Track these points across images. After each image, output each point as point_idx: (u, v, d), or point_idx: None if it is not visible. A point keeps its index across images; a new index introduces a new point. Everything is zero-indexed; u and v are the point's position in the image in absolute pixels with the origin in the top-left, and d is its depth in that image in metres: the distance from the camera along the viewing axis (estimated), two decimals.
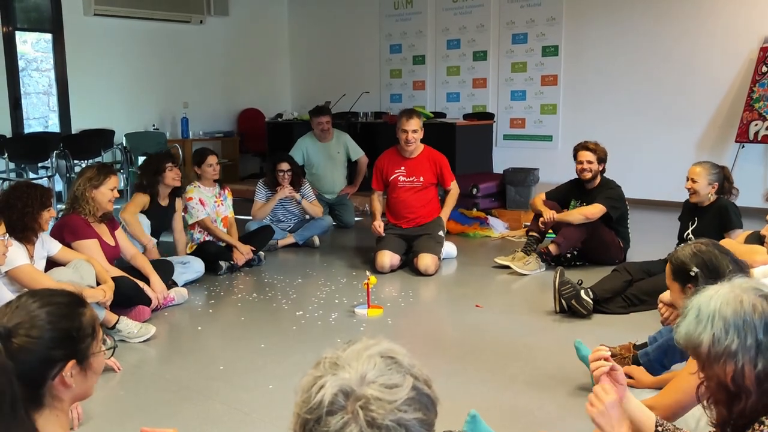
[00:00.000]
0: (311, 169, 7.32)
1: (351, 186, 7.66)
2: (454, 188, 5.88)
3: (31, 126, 8.83)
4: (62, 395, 1.60)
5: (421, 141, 5.79)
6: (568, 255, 5.48)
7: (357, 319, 4.43)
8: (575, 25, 8.64)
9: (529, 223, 5.99)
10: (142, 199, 5.21)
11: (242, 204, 7.36)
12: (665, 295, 3.64)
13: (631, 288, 4.39)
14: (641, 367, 3.14)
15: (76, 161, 8.00)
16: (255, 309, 4.69)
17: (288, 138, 8.53)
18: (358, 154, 7.63)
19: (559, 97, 8.87)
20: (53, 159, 7.77)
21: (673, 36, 7.94)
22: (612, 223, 5.40)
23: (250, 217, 6.41)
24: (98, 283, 3.95)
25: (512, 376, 3.47)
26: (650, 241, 5.84)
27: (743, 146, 7.45)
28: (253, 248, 5.73)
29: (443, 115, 9.00)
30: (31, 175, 7.86)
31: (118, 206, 5.07)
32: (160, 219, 5.33)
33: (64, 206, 4.61)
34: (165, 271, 4.75)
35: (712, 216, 4.54)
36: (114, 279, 4.07)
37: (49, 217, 3.85)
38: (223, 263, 5.50)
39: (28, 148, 7.83)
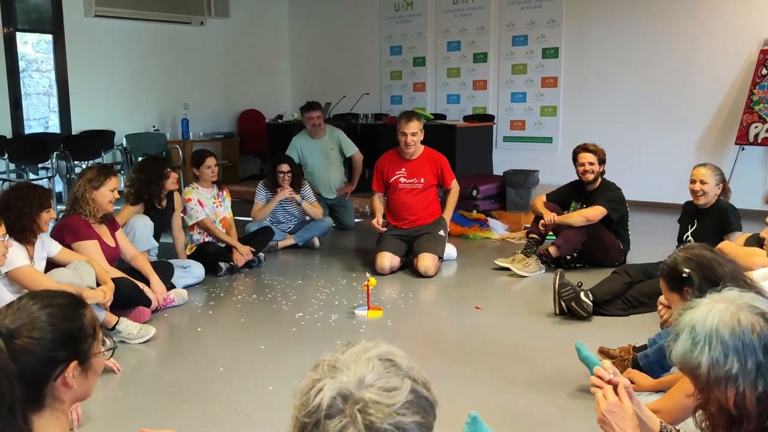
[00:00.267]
0: (306, 168, 7.25)
1: (349, 184, 7.59)
2: (454, 187, 5.89)
3: (32, 127, 8.84)
4: (63, 396, 1.60)
5: (422, 142, 5.80)
6: (568, 257, 5.49)
7: (357, 321, 4.43)
8: (575, 27, 8.65)
9: (529, 225, 6.00)
10: (132, 211, 5.17)
11: (242, 205, 7.37)
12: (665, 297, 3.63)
13: (631, 290, 4.39)
14: (640, 372, 3.14)
15: (76, 162, 8.00)
16: (255, 310, 4.69)
17: (288, 139, 8.50)
18: (351, 150, 7.52)
19: (559, 98, 8.87)
20: (53, 160, 7.77)
21: (673, 38, 7.95)
22: (612, 225, 5.40)
23: (251, 219, 6.42)
24: (98, 284, 3.95)
25: (512, 378, 3.47)
26: (650, 243, 5.84)
27: (743, 148, 7.45)
28: (253, 249, 5.73)
29: (443, 117, 9.01)
30: (32, 176, 7.86)
31: (119, 207, 5.06)
32: (160, 221, 5.32)
33: (64, 207, 4.60)
34: (165, 272, 4.75)
35: (711, 218, 4.54)
36: (114, 280, 4.07)
37: (49, 218, 3.85)
38: (222, 264, 5.51)
39: (29, 148, 7.83)
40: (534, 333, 4.14)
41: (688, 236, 4.66)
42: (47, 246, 3.95)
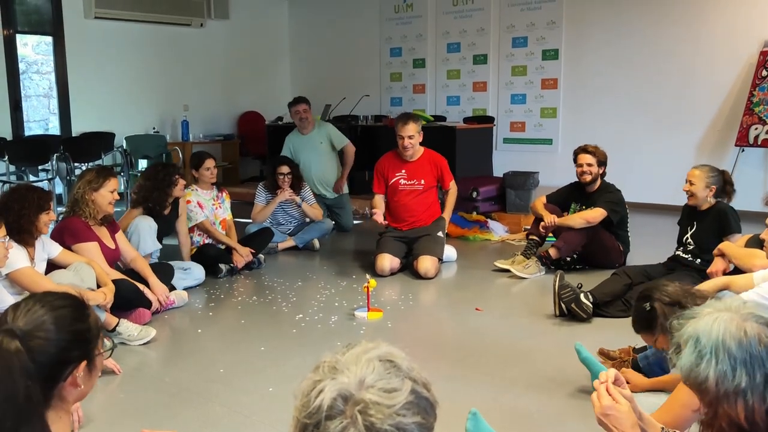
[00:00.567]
0: (299, 166, 7.07)
1: (339, 180, 7.41)
2: (453, 188, 5.90)
3: (32, 129, 8.84)
4: (69, 396, 1.63)
5: (421, 144, 5.80)
6: (568, 259, 5.49)
7: (357, 323, 4.43)
8: (575, 29, 8.65)
9: (529, 227, 6.00)
10: (136, 215, 5.16)
11: (242, 207, 7.37)
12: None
13: (631, 292, 4.39)
14: (635, 372, 3.14)
15: (76, 164, 8.00)
16: (255, 312, 4.69)
17: None
18: (342, 142, 7.41)
19: (559, 100, 8.88)
20: (53, 162, 7.77)
21: (673, 40, 7.95)
22: (612, 227, 5.40)
23: (251, 220, 6.42)
24: (98, 286, 3.95)
25: (512, 379, 3.47)
26: (650, 245, 5.84)
27: (743, 150, 7.45)
28: (253, 251, 5.73)
29: (443, 119, 9.02)
30: (32, 178, 7.87)
31: (119, 209, 5.06)
32: (163, 226, 5.31)
33: (64, 209, 4.60)
34: (165, 274, 4.75)
35: (711, 220, 4.54)
36: (114, 282, 4.07)
37: (48, 219, 3.85)
38: (222, 266, 5.51)
39: (29, 150, 7.83)
40: (534, 334, 4.14)
41: (687, 238, 4.66)
42: (48, 247, 3.95)
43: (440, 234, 5.69)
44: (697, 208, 4.62)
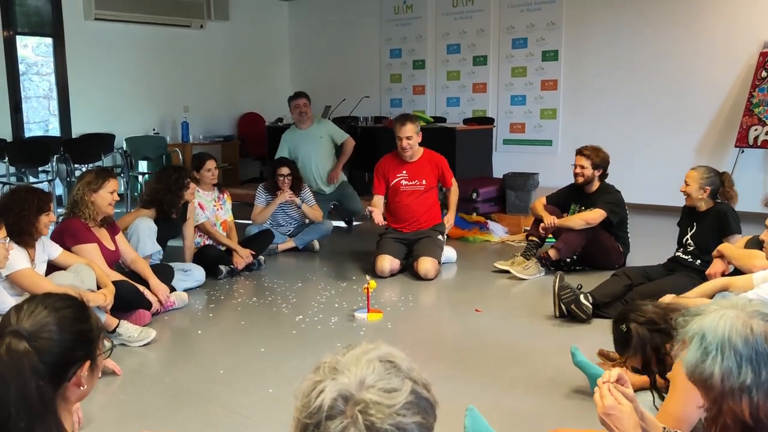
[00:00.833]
0: (297, 162, 7.05)
1: (336, 166, 7.35)
2: (455, 187, 5.91)
3: (32, 130, 8.85)
4: (71, 396, 1.64)
5: (421, 145, 5.80)
6: (568, 260, 5.49)
7: (357, 324, 4.43)
8: (575, 30, 8.66)
9: (528, 228, 6.00)
10: (142, 215, 5.17)
11: (242, 208, 7.37)
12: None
13: (631, 293, 4.38)
14: (633, 374, 3.13)
15: (76, 165, 8.01)
16: (255, 313, 4.69)
17: None
18: (343, 136, 7.41)
19: (559, 101, 8.88)
20: (54, 163, 7.78)
21: (672, 41, 7.96)
22: (612, 228, 5.40)
23: (251, 222, 6.42)
24: (99, 287, 3.96)
25: (512, 380, 3.47)
26: (650, 246, 5.84)
27: (743, 151, 7.46)
28: (253, 252, 5.74)
29: (443, 120, 9.01)
30: (32, 180, 7.87)
31: (119, 210, 5.06)
32: (170, 228, 5.31)
33: (64, 210, 4.61)
34: (165, 275, 4.75)
35: (710, 221, 4.54)
36: (114, 283, 4.07)
37: (48, 221, 3.85)
38: (223, 267, 5.51)
39: (29, 152, 7.83)
40: (534, 335, 4.15)
41: (687, 239, 4.66)
42: (48, 249, 3.95)
43: (440, 237, 5.70)
44: (696, 209, 4.62)
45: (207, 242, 5.72)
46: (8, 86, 8.32)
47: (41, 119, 9.15)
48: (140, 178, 8.82)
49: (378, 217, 5.55)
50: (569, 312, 4.28)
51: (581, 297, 4.27)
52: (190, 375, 3.63)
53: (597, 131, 8.19)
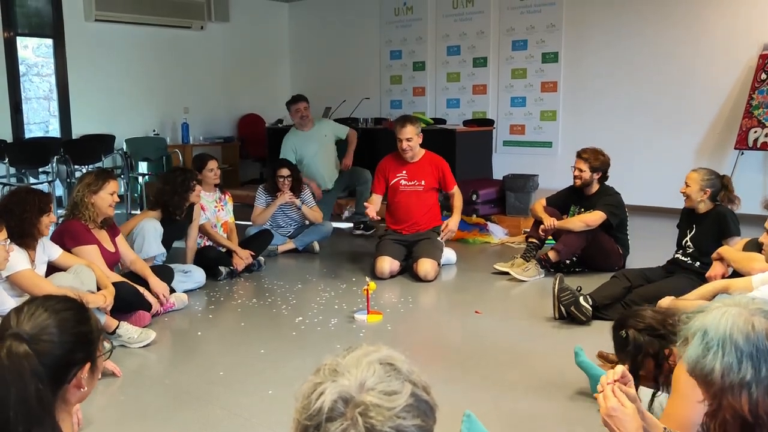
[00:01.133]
0: (301, 163, 7.20)
1: (345, 159, 7.60)
2: (457, 192, 5.88)
3: (32, 131, 8.85)
4: (72, 398, 1.64)
5: (422, 146, 5.81)
6: (568, 261, 5.49)
7: (356, 325, 4.43)
8: (575, 32, 8.67)
9: (528, 230, 6.00)
10: (148, 216, 5.17)
11: (242, 209, 7.37)
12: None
13: (631, 295, 4.39)
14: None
15: (76, 166, 8.02)
16: (255, 314, 4.70)
17: None
18: (345, 131, 7.61)
19: (559, 103, 8.89)
20: (54, 164, 7.78)
21: (672, 42, 7.96)
22: (611, 230, 5.40)
23: (250, 223, 6.42)
24: (99, 289, 3.96)
25: (511, 382, 3.48)
26: (650, 248, 5.84)
27: (742, 153, 7.46)
28: (253, 253, 5.74)
29: (443, 122, 9.01)
30: (32, 181, 7.87)
31: (119, 211, 5.06)
32: (175, 230, 5.32)
33: (64, 212, 4.61)
34: (165, 277, 4.75)
35: (710, 223, 4.54)
36: (114, 284, 4.07)
37: (49, 222, 3.86)
38: (223, 268, 5.51)
39: (29, 153, 7.84)
40: (533, 337, 4.15)
41: (687, 241, 4.67)
42: (48, 250, 3.96)
43: (439, 238, 5.71)
44: (696, 211, 4.63)
45: (207, 243, 5.73)
46: (8, 87, 8.32)
47: (41, 120, 9.15)
48: (140, 179, 8.81)
49: (371, 212, 5.58)
50: (569, 314, 4.28)
51: (581, 299, 4.27)
52: (189, 376, 3.64)
53: (597, 133, 8.19)
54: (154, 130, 9.63)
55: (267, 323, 4.52)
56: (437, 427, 1.15)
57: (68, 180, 7.96)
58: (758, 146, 7.25)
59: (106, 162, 8.62)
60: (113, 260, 4.48)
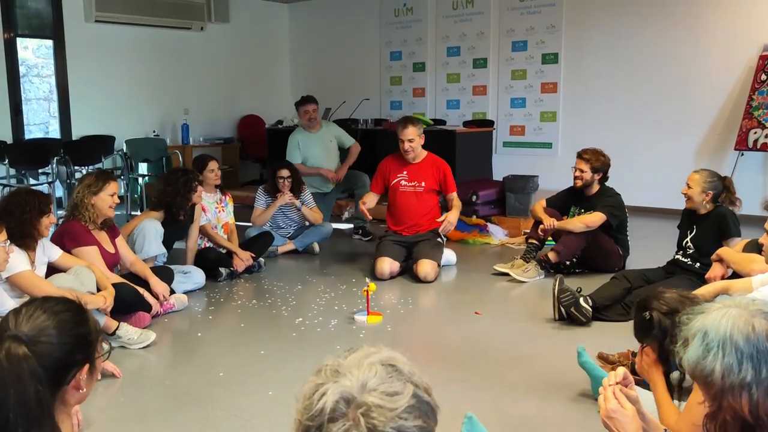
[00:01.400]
0: (306, 163, 7.23)
1: (341, 167, 7.44)
2: (456, 198, 5.84)
3: (32, 132, 8.85)
4: (71, 399, 1.64)
5: (423, 148, 5.81)
6: (568, 262, 5.49)
7: (356, 326, 4.43)
8: (575, 33, 8.67)
9: (528, 231, 6.00)
10: (150, 217, 5.18)
11: (242, 210, 7.37)
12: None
13: (631, 295, 4.39)
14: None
15: (76, 167, 8.01)
16: (255, 315, 4.70)
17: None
18: (350, 141, 7.59)
19: (559, 104, 8.89)
20: (54, 165, 7.78)
21: (672, 43, 7.97)
22: (611, 230, 5.40)
23: (250, 224, 6.42)
24: (99, 290, 3.96)
25: (511, 383, 3.48)
26: (650, 249, 5.84)
27: (742, 154, 7.46)
28: (253, 254, 5.74)
29: (443, 123, 9.02)
30: (32, 182, 7.86)
31: (119, 212, 5.06)
32: (177, 230, 5.31)
33: (64, 213, 4.61)
34: (165, 278, 4.75)
35: (710, 224, 4.54)
36: (114, 285, 4.08)
37: (49, 223, 3.86)
38: (223, 270, 5.51)
39: (29, 154, 7.84)
40: (533, 338, 4.15)
41: (687, 242, 4.67)
42: (48, 251, 3.96)
43: (440, 240, 5.71)
44: (696, 212, 4.63)
45: (207, 245, 5.73)
46: (8, 88, 8.32)
47: (41, 121, 9.15)
48: (140, 180, 8.81)
49: (363, 209, 5.58)
50: (569, 315, 4.28)
51: (581, 300, 4.27)
52: (189, 377, 3.64)
53: (597, 134, 8.20)
54: (154, 131, 9.63)
55: (267, 324, 4.52)
56: (438, 428, 1.15)
57: (68, 181, 7.96)
58: (758, 147, 7.25)
59: (106, 163, 8.62)
60: (113, 261, 4.48)
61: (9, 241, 3.40)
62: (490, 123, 9.06)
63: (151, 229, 4.94)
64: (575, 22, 8.64)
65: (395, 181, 5.81)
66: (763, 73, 7.26)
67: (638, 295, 4.33)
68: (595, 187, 5.50)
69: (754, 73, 7.35)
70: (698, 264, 4.50)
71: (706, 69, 7.79)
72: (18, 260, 3.61)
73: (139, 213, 6.31)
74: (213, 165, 5.80)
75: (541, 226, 5.46)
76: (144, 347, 4.03)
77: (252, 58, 10.95)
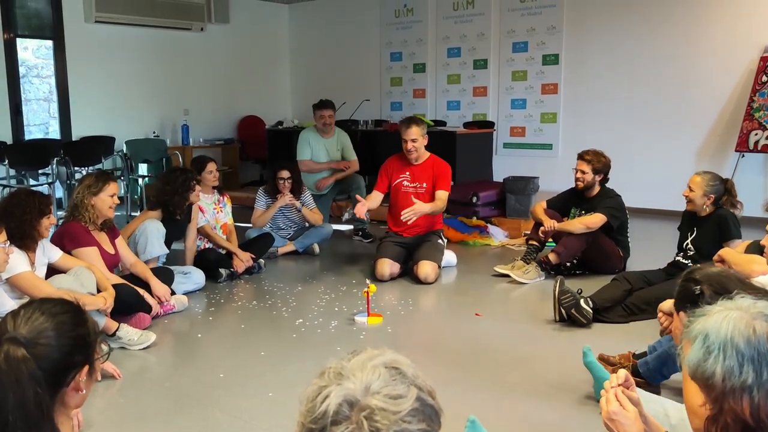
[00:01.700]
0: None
1: (327, 178, 7.40)
2: (442, 197, 5.64)
3: (32, 133, 8.85)
4: (70, 401, 1.64)
5: (427, 149, 5.80)
6: (568, 264, 5.48)
7: (357, 327, 4.42)
8: (575, 34, 8.67)
9: (529, 232, 6.00)
10: (149, 216, 5.18)
11: (242, 211, 7.37)
12: (665, 305, 3.63)
13: (631, 297, 4.39)
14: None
15: (76, 168, 8.01)
16: (255, 317, 4.69)
17: (288, 145, 8.53)
18: (352, 156, 7.58)
19: (560, 105, 8.89)
20: (54, 166, 7.78)
21: (673, 45, 7.97)
22: (612, 232, 5.40)
23: (251, 225, 6.41)
24: (99, 291, 3.95)
25: (512, 385, 3.47)
26: (650, 250, 5.84)
27: (743, 155, 7.46)
28: (253, 255, 5.74)
29: (443, 124, 9.02)
30: (32, 182, 7.86)
31: (119, 213, 5.05)
32: (174, 230, 5.31)
33: (64, 214, 4.60)
34: (165, 278, 4.74)
35: (711, 226, 4.54)
36: (114, 286, 4.07)
37: (49, 224, 3.85)
38: (223, 271, 5.51)
39: (29, 154, 7.84)
40: (534, 340, 4.14)
41: (687, 243, 4.67)
42: (48, 252, 3.95)
43: (440, 241, 5.70)
44: (697, 214, 4.63)
45: (207, 245, 5.72)
46: (8, 89, 8.32)
47: (41, 122, 9.15)
48: (140, 181, 8.81)
49: (361, 209, 5.51)
50: (569, 316, 4.28)
51: (581, 301, 4.26)
52: (189, 379, 3.63)
53: (597, 135, 8.20)
54: (154, 132, 9.63)
55: (267, 325, 4.51)
56: (440, 431, 1.15)
57: (68, 182, 7.95)
58: (759, 149, 7.25)
59: (106, 164, 8.62)
60: (113, 262, 4.48)
61: (9, 242, 3.39)
62: (491, 124, 9.05)
63: (153, 229, 4.94)
64: (576, 23, 8.64)
65: (397, 181, 5.81)
66: (764, 75, 7.26)
67: (640, 294, 4.34)
68: (596, 189, 5.50)
69: (755, 75, 7.35)
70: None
71: (706, 70, 7.79)
72: (18, 261, 3.60)
73: (138, 214, 6.29)
74: (211, 166, 5.79)
75: (542, 228, 5.46)
76: (144, 348, 4.02)
77: (252, 59, 10.95)
